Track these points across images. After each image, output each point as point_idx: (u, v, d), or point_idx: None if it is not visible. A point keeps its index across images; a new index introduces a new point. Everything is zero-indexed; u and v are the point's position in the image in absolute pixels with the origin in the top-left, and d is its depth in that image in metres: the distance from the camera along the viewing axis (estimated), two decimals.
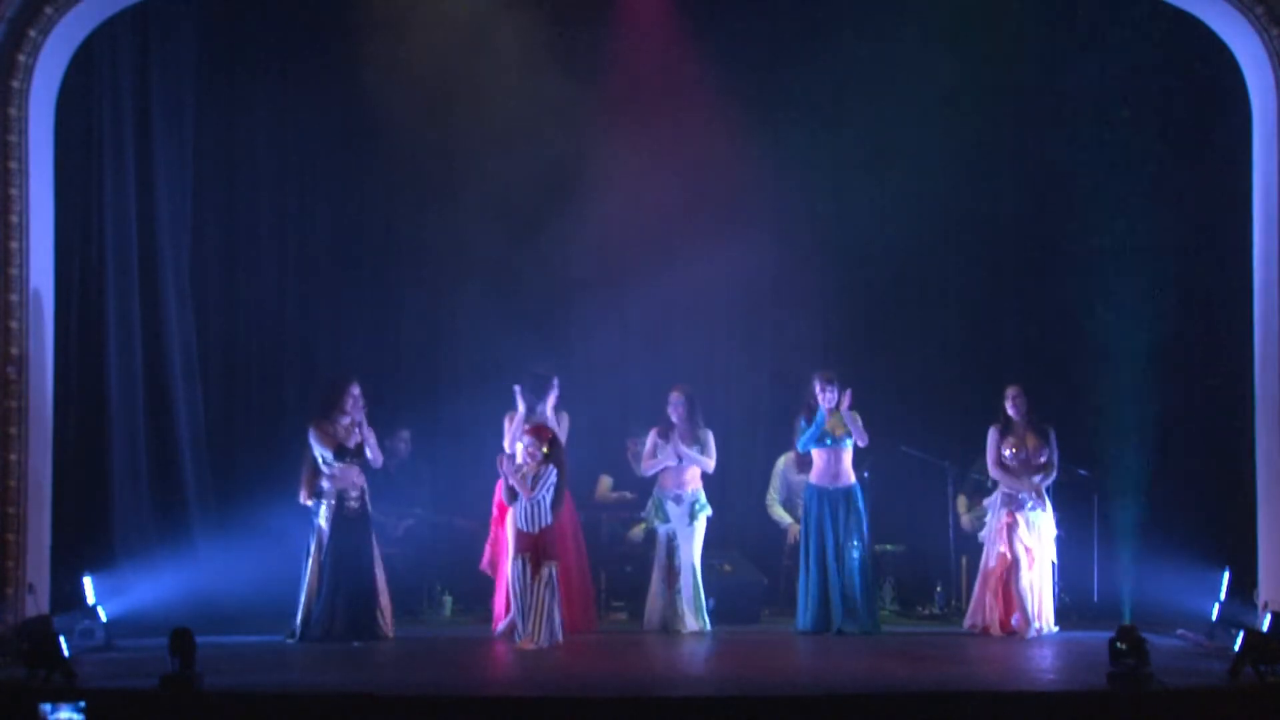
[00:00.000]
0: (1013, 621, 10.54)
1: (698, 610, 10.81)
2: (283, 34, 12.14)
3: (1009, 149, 12.41)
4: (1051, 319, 12.48)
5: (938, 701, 7.70)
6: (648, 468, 11.05)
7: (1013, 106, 12.32)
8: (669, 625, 10.78)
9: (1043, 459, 10.69)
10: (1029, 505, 10.64)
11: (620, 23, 12.28)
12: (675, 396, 11.01)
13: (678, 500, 10.89)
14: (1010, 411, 10.77)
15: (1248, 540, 10.54)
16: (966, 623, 10.82)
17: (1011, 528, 10.60)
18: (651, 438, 11.04)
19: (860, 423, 10.80)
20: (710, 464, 11.00)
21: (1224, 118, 11.25)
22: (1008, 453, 10.72)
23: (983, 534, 10.91)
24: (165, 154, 11.59)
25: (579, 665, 9.33)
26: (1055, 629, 10.62)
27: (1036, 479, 10.68)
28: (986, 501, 11.01)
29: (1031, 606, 10.51)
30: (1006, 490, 10.70)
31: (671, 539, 10.85)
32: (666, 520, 10.87)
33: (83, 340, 10.99)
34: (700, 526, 10.91)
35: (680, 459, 10.89)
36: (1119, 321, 12.22)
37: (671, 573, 10.82)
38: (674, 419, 10.96)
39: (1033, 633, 10.46)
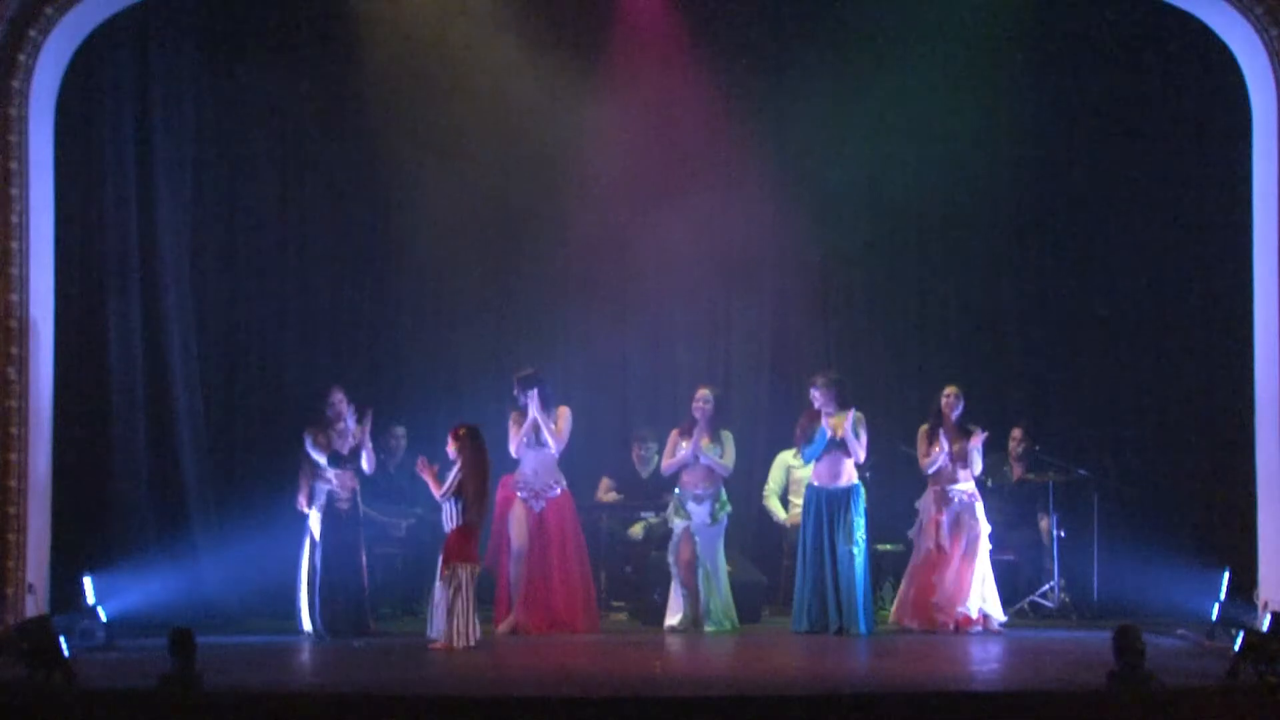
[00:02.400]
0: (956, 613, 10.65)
1: (727, 607, 10.80)
2: (283, 34, 12.12)
3: (1007, 146, 12.39)
4: (1051, 317, 12.47)
5: (938, 701, 7.69)
6: (668, 466, 10.97)
7: (1011, 104, 12.31)
8: (694, 623, 10.75)
9: (968, 459, 10.75)
10: (957, 501, 10.73)
11: (617, 8, 12.28)
12: (704, 394, 10.91)
13: (698, 499, 10.85)
14: (945, 411, 10.83)
15: (1248, 540, 10.54)
16: (892, 618, 10.89)
17: (939, 524, 10.71)
18: (673, 437, 10.99)
19: (864, 436, 10.71)
20: (726, 468, 10.93)
21: (1224, 118, 11.25)
22: (936, 451, 10.77)
23: (912, 532, 11.03)
24: (165, 154, 11.58)
25: (579, 665, 9.32)
26: (1003, 619, 10.74)
27: (964, 476, 10.78)
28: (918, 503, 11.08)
29: (968, 599, 10.61)
30: (934, 488, 10.81)
31: (691, 535, 10.81)
32: (688, 518, 10.82)
33: (83, 340, 10.98)
34: (722, 525, 10.90)
35: (698, 457, 10.84)
36: (1119, 320, 12.23)
37: (691, 570, 10.79)
38: (698, 417, 10.85)
39: (961, 619, 10.57)
